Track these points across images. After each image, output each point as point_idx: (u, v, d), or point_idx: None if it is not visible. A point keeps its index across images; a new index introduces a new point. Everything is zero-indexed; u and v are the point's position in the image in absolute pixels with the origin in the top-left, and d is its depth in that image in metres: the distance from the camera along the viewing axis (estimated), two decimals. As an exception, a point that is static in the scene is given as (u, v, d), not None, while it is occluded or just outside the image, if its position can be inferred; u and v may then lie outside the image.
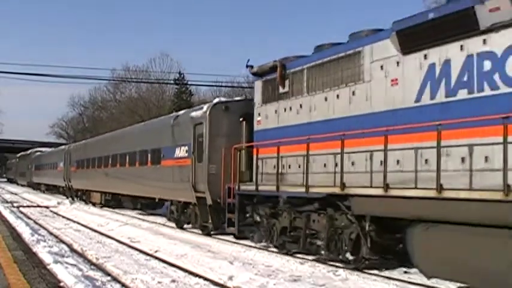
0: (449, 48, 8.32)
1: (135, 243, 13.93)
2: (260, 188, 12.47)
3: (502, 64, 7.57)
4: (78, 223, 19.63)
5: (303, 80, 11.74)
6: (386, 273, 9.61)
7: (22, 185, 61.23)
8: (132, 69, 62.61)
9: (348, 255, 9.97)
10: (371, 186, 9.17)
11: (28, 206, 28.34)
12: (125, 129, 27.59)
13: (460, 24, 8.01)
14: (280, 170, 11.77)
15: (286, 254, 11.71)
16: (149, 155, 20.11)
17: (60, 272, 9.10)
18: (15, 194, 43.27)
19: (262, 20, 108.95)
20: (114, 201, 26.76)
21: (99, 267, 10.28)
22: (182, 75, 53.05)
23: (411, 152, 8.68)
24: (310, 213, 11.02)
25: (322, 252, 10.71)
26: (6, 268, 9.38)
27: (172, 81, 53.82)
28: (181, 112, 18.48)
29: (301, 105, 11.77)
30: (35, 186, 51.06)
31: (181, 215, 17.56)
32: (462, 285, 7.99)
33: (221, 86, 51.55)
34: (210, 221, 15.31)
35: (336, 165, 10.09)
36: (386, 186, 8.66)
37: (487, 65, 7.78)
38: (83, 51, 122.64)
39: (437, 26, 8.38)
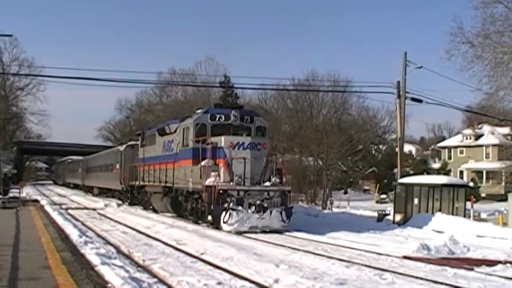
0: (166, 136, 26.05)
1: (182, 246, 14.08)
2: (135, 183, 30.90)
3: (171, 144, 25.39)
4: (125, 225, 20.05)
5: (147, 140, 29.92)
6: (432, 276, 9.86)
7: (59, 184, 78.49)
8: (178, 73, 63.01)
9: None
10: (147, 181, 27.30)
11: (76, 208, 29.28)
12: (102, 152, 47.42)
13: (164, 131, 25.89)
14: (141, 175, 30.13)
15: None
16: (109, 166, 39.13)
17: (108, 273, 9.31)
18: (64, 197, 44.15)
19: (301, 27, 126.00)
20: (103, 193, 45.66)
21: (145, 269, 10.37)
22: (228, 78, 53.60)
23: (156, 170, 26.78)
24: (146, 192, 29.24)
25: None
26: (54, 269, 9.64)
27: (218, 85, 54.27)
28: (119, 147, 37.26)
29: (146, 150, 29.92)
30: (67, 185, 68.99)
31: (121, 197, 36.31)
32: None
33: (266, 89, 51.13)
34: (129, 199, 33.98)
35: (144, 173, 28.27)
36: (142, 181, 26.92)
37: (169, 143, 25.61)
38: (130, 55, 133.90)
39: (163, 129, 26.41)
